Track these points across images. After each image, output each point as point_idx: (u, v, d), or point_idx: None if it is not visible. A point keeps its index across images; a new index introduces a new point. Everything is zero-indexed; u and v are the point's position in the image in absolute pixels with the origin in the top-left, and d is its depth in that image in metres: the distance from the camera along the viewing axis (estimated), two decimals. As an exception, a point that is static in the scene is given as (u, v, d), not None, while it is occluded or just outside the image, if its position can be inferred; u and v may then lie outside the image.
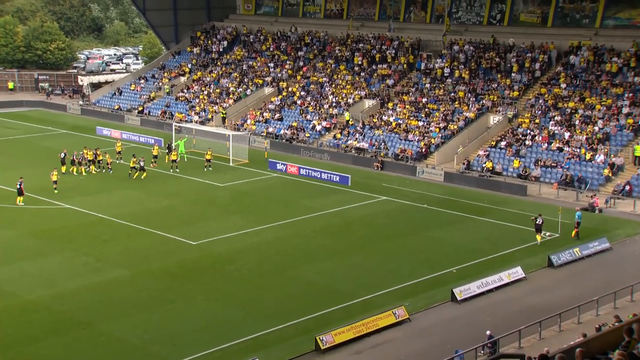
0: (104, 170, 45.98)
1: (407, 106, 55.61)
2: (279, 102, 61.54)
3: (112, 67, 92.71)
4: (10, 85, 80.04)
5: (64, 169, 45.61)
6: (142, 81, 72.80)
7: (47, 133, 60.09)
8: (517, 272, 29.48)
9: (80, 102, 72.71)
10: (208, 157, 47.42)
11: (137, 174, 44.68)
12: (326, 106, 58.72)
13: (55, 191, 40.96)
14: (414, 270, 30.45)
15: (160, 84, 70.93)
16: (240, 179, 46.15)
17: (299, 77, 64.36)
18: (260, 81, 65.20)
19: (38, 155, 51.02)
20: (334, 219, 37.84)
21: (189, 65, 72.34)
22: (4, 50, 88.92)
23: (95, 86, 78.75)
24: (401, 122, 53.95)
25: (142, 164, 44.79)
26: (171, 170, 45.49)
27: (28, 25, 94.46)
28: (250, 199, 41.44)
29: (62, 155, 46.03)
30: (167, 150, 49.84)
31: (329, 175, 45.94)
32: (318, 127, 56.21)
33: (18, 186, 38.84)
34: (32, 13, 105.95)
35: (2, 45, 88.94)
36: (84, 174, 45.47)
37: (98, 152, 46.19)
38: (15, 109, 71.24)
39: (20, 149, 53.70)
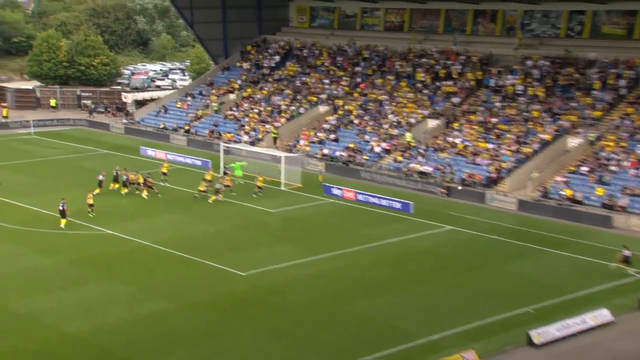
0: (157, 194, 46.85)
1: (474, 127, 55.02)
2: (334, 122, 61.73)
3: (158, 83, 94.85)
4: (53, 102, 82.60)
5: (97, 190, 46.54)
6: (189, 98, 74.12)
7: (89, 153, 61.54)
8: (604, 314, 28.44)
9: (124, 121, 74.42)
10: (259, 184, 47.75)
11: (216, 195, 45.64)
12: (386, 126, 58.58)
13: (91, 215, 41.86)
14: (483, 308, 29.86)
15: (208, 101, 72.05)
16: (292, 204, 46.31)
17: (356, 95, 64.48)
18: (315, 99, 65.58)
19: (79, 177, 52.22)
20: (394, 250, 37.57)
21: (239, 82, 73.34)
22: (47, 65, 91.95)
23: (140, 103, 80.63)
24: (468, 144, 53.38)
25: (219, 187, 45.99)
26: (220, 196, 46.00)
27: (71, 39, 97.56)
28: (303, 226, 41.50)
29: (101, 177, 47.15)
30: (222, 175, 50.37)
31: (389, 201, 45.71)
32: (377, 149, 56.08)
33: (61, 208, 39.86)
34: (76, 27, 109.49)
35: (44, 61, 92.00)
36: (122, 192, 46.59)
37: (150, 180, 47.03)
38: (57, 128, 73.31)
39: (61, 170, 55.18)
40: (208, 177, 48.37)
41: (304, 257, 36.00)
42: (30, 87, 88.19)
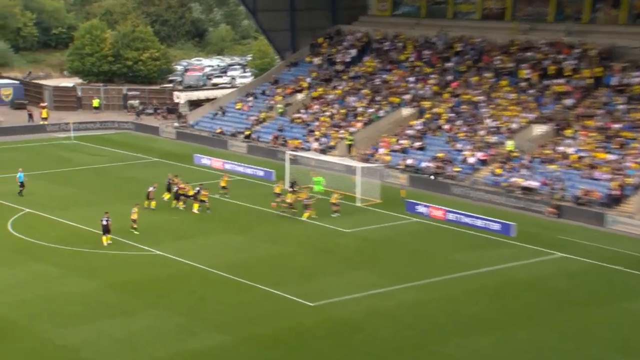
0: (208, 210, 47.56)
1: (592, 134, 53.84)
2: (420, 127, 61.45)
3: (215, 80, 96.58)
4: (95, 102, 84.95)
5: (153, 204, 47.59)
6: (251, 99, 74.97)
7: (136, 161, 62.85)
8: None
9: (176, 124, 75.75)
10: (334, 200, 47.83)
11: (307, 209, 46.43)
12: (482, 133, 57.99)
13: (135, 232, 42.66)
14: (603, 355, 29.07)
15: (272, 102, 72.74)
16: (369, 223, 46.21)
17: (446, 95, 64.05)
18: (397, 100, 65.44)
19: (124, 189, 53.35)
20: (492, 280, 37.00)
21: (308, 80, 73.86)
22: (89, 60, 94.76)
23: (194, 104, 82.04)
24: (584, 154, 52.30)
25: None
26: (286, 213, 46.41)
27: (117, 30, 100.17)
28: (383, 250, 41.35)
29: (152, 188, 48.13)
30: (290, 188, 50.72)
31: (486, 222, 45.15)
32: (471, 160, 55.56)
33: (104, 222, 40.85)
34: (123, 16, 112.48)
35: (87, 55, 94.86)
36: (174, 205, 47.43)
37: (204, 192, 47.76)
38: (100, 132, 75.23)
39: (104, 180, 56.49)
40: (277, 190, 48.76)
41: (384, 286, 35.78)
42: (71, 85, 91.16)
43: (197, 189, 48.04)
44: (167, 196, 48.90)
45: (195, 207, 47.39)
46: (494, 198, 51.18)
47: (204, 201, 47.65)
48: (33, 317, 31.84)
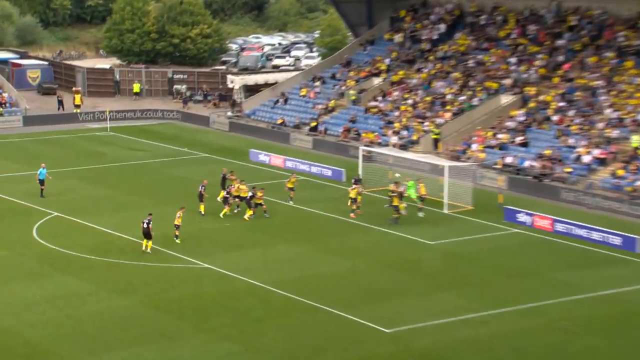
0: (265, 213, 47.91)
1: None
2: (523, 118, 60.90)
3: (276, 62, 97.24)
4: (136, 87, 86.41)
5: (202, 207, 48.01)
6: (318, 84, 75.24)
7: (182, 157, 63.72)
8: None
9: (229, 113, 76.50)
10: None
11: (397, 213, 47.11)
12: (600, 125, 57.15)
13: (177, 240, 43.20)
14: None
15: (343, 88, 72.83)
16: (459, 234, 45.97)
17: (556, 80, 63.27)
18: (495, 85, 64.94)
19: (168, 189, 54.09)
20: (611, 307, 36.32)
21: (387, 61, 73.75)
22: (129, 37, 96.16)
23: (251, 90, 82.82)
24: None
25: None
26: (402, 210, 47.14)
27: (162, 2, 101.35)
28: (475, 267, 41.04)
29: (202, 188, 48.59)
30: (355, 185, 50.97)
31: (604, 234, 44.47)
32: (586, 158, 54.82)
33: (145, 225, 41.52)
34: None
35: (126, 31, 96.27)
36: (226, 213, 47.90)
37: (259, 194, 48.00)
38: (141, 122, 76.38)
39: (145, 179, 57.35)
40: (352, 195, 48.58)
41: (475, 310, 35.36)
42: (108, 67, 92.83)
43: (251, 192, 48.18)
44: (222, 195, 49.46)
45: (249, 214, 47.65)
46: (615, 205, 50.39)
47: (260, 204, 47.91)
48: (60, 340, 32.35)
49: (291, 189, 51.28)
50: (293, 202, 50.79)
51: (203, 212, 48.04)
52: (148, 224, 41.42)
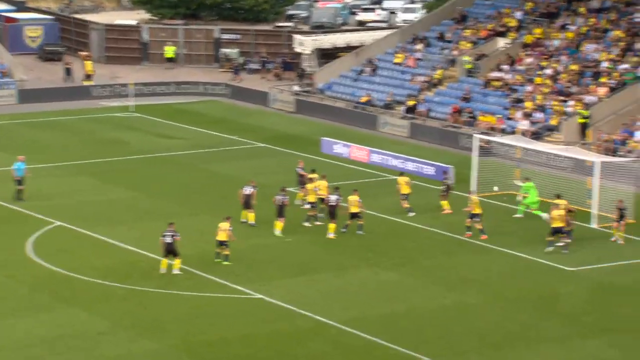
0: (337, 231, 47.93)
1: None
2: None
3: (362, 16, 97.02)
4: (169, 51, 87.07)
5: (251, 217, 48.17)
6: (420, 47, 75.29)
7: (230, 147, 64.26)
8: None
9: (296, 88, 76.83)
10: (557, 221, 46.87)
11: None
12: None
13: (224, 262, 43.50)
14: None
15: (454, 53, 72.84)
16: (612, 258, 45.74)
17: None
18: (671, 49, 64.56)
19: (209, 191, 54.35)
20: None
21: (518, 15, 73.60)
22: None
23: (327, 55, 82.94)
24: None
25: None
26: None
27: None
28: (632, 305, 40.62)
29: (248, 191, 48.62)
30: (444, 191, 51.15)
31: None
32: None
33: (169, 240, 41.82)
34: None
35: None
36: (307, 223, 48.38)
37: (352, 198, 48.03)
38: (175, 99, 77.11)
39: (179, 178, 57.62)
40: (473, 207, 47.86)
41: (635, 366, 35.16)
42: (133, 23, 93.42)
43: (335, 196, 48.00)
44: (300, 197, 49.73)
45: (332, 229, 47.57)
46: None
47: (357, 215, 47.71)
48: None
49: (405, 195, 51.08)
50: (412, 213, 50.89)
51: (253, 222, 48.26)
52: (173, 236, 41.84)
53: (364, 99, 71.56)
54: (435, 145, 63.48)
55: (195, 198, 53.41)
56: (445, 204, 51.44)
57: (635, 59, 64.61)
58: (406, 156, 59.69)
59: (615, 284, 42.86)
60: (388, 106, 69.87)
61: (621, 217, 47.13)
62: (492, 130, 62.32)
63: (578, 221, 49.18)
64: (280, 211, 47.46)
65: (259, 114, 73.41)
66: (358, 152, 61.36)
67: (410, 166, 58.32)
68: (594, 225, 49.53)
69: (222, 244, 43.64)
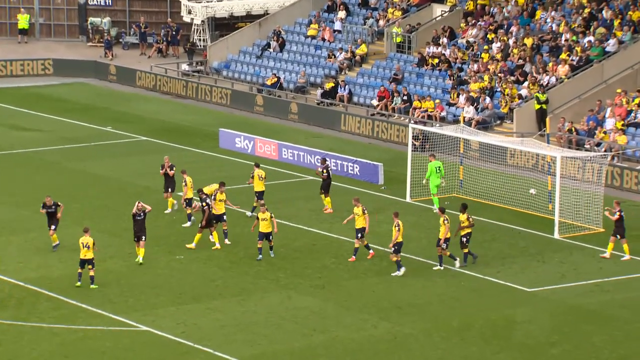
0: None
1: None
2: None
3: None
4: (22, 20, 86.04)
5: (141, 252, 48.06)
6: (338, 16, 75.51)
7: (105, 141, 64.10)
8: None
9: (185, 67, 76.72)
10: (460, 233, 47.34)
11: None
12: None
13: (92, 286, 43.31)
14: None
15: (381, 23, 73.11)
16: (578, 276, 46.12)
17: None
18: (643, 18, 65.27)
19: (81, 198, 54.10)
20: None
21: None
22: None
23: (223, 27, 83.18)
24: None
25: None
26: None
27: None
28: (606, 331, 40.97)
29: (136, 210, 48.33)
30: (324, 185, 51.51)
31: None
32: None
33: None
34: None
35: None
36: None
37: (220, 197, 48.17)
38: (33, 80, 76.74)
39: (42, 179, 57.17)
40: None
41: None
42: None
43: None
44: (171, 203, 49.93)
45: (216, 238, 47.88)
46: None
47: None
48: None
49: (259, 193, 51.42)
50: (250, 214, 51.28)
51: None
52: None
53: (270, 81, 71.70)
54: (360, 138, 63.61)
55: (65, 206, 52.69)
56: (327, 201, 51.87)
57: (601, 30, 65.13)
58: (324, 151, 59.73)
59: (583, 307, 43.10)
60: (300, 89, 69.99)
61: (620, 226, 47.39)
62: (429, 118, 62.52)
63: (537, 230, 49.72)
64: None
65: (138, 99, 73.33)
66: (265, 147, 61.39)
67: (330, 164, 58.15)
68: (556, 235, 49.93)
69: (86, 264, 43.45)
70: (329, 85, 69.01)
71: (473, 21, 70.00)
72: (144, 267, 45.92)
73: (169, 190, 51.29)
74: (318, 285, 44.87)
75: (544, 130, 59.15)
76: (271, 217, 46.41)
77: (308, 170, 57.97)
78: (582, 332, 41.10)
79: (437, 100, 64.64)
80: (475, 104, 63.34)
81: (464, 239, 45.83)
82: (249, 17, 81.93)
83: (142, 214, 45.75)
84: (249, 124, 65.91)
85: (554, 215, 50.41)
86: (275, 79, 71.25)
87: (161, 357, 38.44)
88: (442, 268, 46.08)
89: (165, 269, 46.21)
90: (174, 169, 51.09)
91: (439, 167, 52.85)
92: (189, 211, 50.38)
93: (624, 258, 46.78)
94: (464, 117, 61.33)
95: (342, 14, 75.11)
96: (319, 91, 69.43)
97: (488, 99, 63.34)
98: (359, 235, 46.47)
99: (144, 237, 45.48)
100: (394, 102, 65.84)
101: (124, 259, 46.17)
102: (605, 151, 56.85)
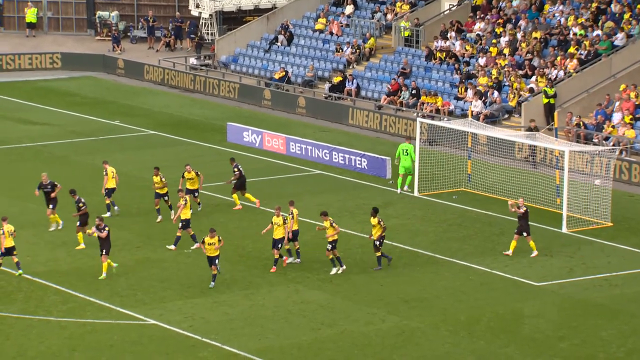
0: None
1: None
2: None
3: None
4: (30, 14, 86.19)
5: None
6: (346, 10, 75.51)
7: (113, 135, 64.23)
8: None
9: (193, 61, 76.72)
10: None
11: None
12: None
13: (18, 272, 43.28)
14: None
15: (389, 17, 73.04)
16: (586, 270, 46.05)
17: None
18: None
19: (90, 192, 54.04)
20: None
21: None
22: None
23: (231, 20, 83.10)
24: None
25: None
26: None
27: None
28: (613, 326, 40.83)
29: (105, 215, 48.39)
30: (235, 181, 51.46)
31: None
32: None
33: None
34: None
35: None
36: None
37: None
38: (40, 75, 76.73)
39: (51, 173, 56.15)
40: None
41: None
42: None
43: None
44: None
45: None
46: None
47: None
48: None
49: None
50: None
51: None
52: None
53: (278, 75, 71.62)
54: (368, 132, 63.65)
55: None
56: (236, 197, 51.68)
57: (610, 24, 65.08)
58: (332, 145, 59.90)
59: (591, 302, 43.07)
60: (308, 83, 69.93)
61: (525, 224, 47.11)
62: (437, 113, 62.50)
63: (545, 224, 49.73)
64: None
65: (146, 93, 73.38)
66: (273, 141, 61.47)
67: (337, 158, 58.50)
68: (564, 229, 49.94)
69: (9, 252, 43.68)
70: (336, 79, 68.98)
71: (481, 15, 69.80)
72: (152, 261, 45.98)
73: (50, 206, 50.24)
74: (325, 279, 44.92)
75: (552, 125, 59.14)
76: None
77: (316, 164, 58.08)
78: (590, 326, 40.93)
79: (446, 95, 64.72)
80: (484, 98, 63.27)
81: (377, 243, 45.37)
82: (257, 11, 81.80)
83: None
84: (256, 118, 65.92)
85: (562, 210, 50.43)
86: (283, 73, 71.13)
87: (169, 351, 38.28)
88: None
89: (173, 262, 46.17)
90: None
91: (407, 149, 53.15)
92: (107, 201, 50.58)
93: (533, 254, 46.77)
94: (472, 111, 61.28)
95: (350, 8, 74.99)
96: (327, 85, 69.40)
97: (496, 93, 63.24)
98: (279, 245, 45.61)
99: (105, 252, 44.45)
100: (402, 97, 65.85)
101: (132, 252, 46.16)
102: (613, 145, 56.67)
